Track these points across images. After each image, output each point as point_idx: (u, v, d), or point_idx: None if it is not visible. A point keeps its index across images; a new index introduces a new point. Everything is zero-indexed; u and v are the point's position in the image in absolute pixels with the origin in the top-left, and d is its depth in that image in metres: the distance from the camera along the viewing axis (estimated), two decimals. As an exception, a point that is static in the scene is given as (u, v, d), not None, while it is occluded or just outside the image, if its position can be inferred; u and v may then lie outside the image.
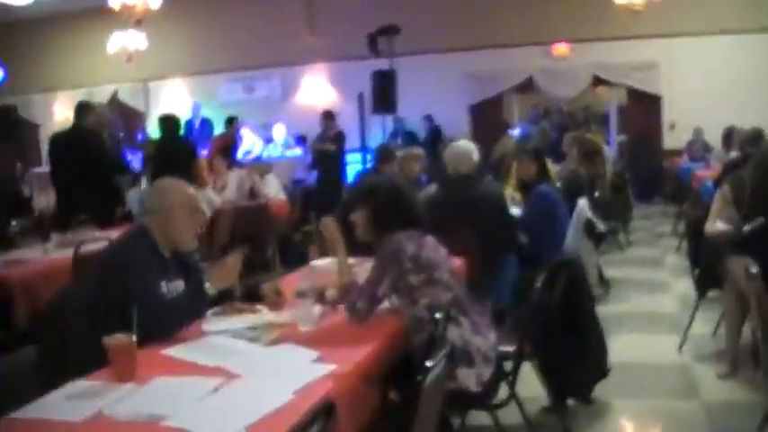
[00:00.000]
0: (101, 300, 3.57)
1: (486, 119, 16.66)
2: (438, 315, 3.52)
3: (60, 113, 19.52)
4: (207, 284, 3.80)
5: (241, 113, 16.26)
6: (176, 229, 3.86)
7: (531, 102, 17.59)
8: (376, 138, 14.06)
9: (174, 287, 3.86)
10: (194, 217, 3.95)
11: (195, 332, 3.61)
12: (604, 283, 8.18)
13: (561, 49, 16.12)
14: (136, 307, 3.10)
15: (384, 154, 7.62)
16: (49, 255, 6.63)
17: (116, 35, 15.80)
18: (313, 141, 14.26)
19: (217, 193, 10.98)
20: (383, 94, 13.62)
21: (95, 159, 8.64)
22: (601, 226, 6.70)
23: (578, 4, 15.21)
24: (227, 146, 13.37)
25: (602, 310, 6.90)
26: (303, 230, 8.88)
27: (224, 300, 3.99)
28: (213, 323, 3.76)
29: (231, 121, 13.93)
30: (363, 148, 13.79)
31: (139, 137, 17.15)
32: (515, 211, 7.07)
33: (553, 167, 9.87)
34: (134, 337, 3.01)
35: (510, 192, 8.06)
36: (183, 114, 16.80)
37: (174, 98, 18.60)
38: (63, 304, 3.81)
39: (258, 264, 10.08)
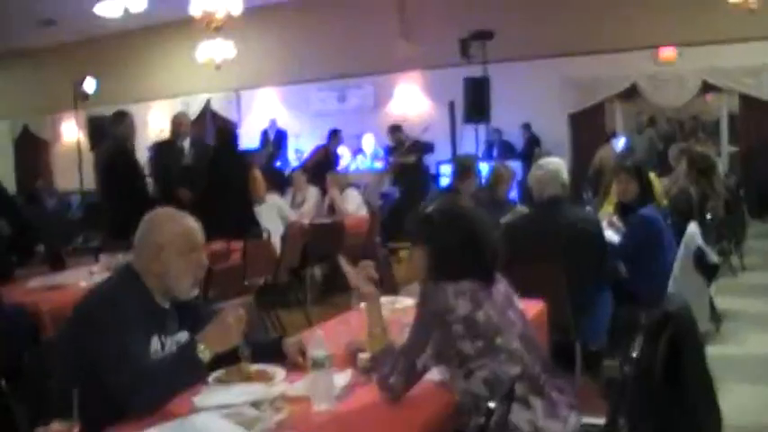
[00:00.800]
0: (71, 357, 2.90)
1: (588, 128, 15.60)
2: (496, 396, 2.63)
3: (155, 123, 19.19)
4: (200, 346, 2.87)
5: (333, 123, 15.63)
6: (169, 273, 3.06)
7: (636, 110, 16.35)
8: (468, 148, 13.12)
9: (175, 342, 3.10)
10: (191, 257, 3.10)
11: (181, 407, 2.78)
12: (715, 316, 7.12)
13: (668, 53, 14.89)
14: (75, 390, 2.32)
15: (461, 168, 6.71)
16: (91, 280, 5.89)
17: (203, 44, 15.23)
18: (390, 155, 13.45)
19: (294, 209, 10.29)
20: (476, 101, 12.73)
21: (121, 174, 8.23)
22: (714, 257, 5.67)
23: (686, 3, 13.95)
24: (325, 159, 12.60)
25: (713, 353, 5.90)
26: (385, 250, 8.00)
27: (231, 359, 3.08)
28: (208, 394, 2.90)
29: (334, 134, 13.12)
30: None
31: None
32: (614, 237, 6.12)
33: (659, 183, 8.89)
34: (75, 428, 2.30)
35: (608, 213, 7.11)
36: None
37: (266, 107, 18.05)
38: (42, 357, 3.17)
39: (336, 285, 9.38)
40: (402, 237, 4.79)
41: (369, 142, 15.21)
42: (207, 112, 18.65)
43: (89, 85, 15.98)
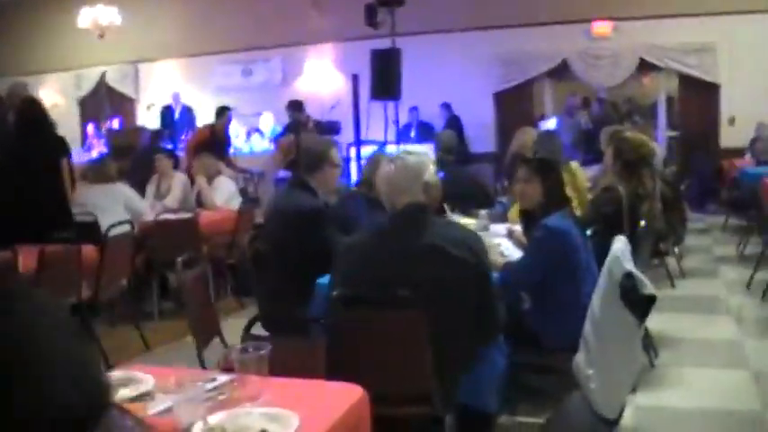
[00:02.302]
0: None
1: (514, 109, 13.88)
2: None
3: (48, 98, 17.04)
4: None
5: (237, 100, 13.77)
6: None
7: (567, 90, 14.56)
8: (377, 128, 11.27)
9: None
10: None
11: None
12: (649, 344, 5.44)
13: (602, 28, 13.27)
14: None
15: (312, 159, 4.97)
16: None
17: (85, 10, 13.25)
18: (282, 135, 11.62)
19: (158, 200, 8.44)
20: (384, 76, 10.85)
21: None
22: (648, 287, 3.93)
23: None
24: (211, 140, 10.68)
25: (647, 402, 4.55)
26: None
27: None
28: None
29: (222, 112, 11.23)
30: (358, 142, 11.02)
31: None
32: (515, 253, 4.40)
33: (583, 176, 7.16)
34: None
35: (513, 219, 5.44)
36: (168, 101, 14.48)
37: (166, 81, 16.01)
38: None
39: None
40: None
41: (267, 121, 13.22)
42: (102, 87, 16.51)
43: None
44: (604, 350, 3.89)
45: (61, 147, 6.91)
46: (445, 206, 5.64)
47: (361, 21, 11.08)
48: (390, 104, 11.25)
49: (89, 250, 6.24)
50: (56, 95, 16.96)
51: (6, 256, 5.30)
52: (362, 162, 7.20)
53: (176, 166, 9.10)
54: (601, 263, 4.02)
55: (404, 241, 3.32)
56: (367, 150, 11.89)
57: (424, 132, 13.67)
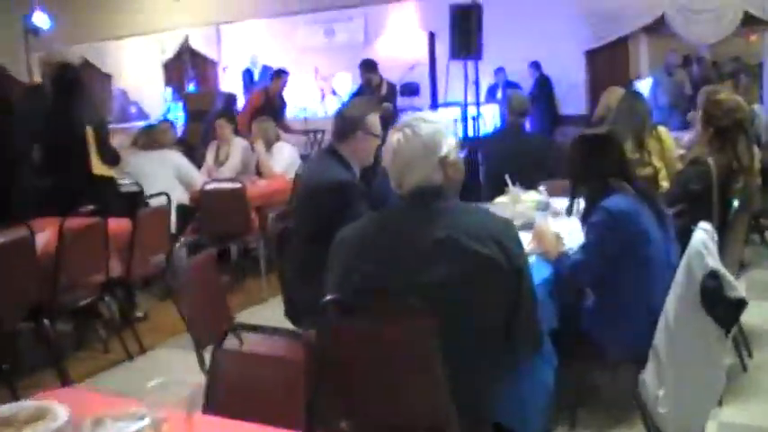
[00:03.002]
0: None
1: (608, 67, 12.88)
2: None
3: (132, 62, 16.76)
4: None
5: (320, 60, 13.13)
6: None
7: (665, 47, 13.37)
8: (457, 90, 10.45)
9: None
10: None
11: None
12: (741, 341, 4.57)
13: (703, -21, 11.99)
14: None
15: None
16: None
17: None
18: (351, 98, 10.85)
19: (217, 167, 7.88)
20: (464, 34, 10.02)
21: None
22: (737, 288, 3.11)
23: None
24: (266, 105, 10.08)
25: (735, 419, 3.84)
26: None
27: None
28: None
29: (277, 75, 10.74)
30: (434, 104, 10.23)
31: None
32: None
33: (682, 137, 6.27)
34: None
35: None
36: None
37: (248, 44, 15.41)
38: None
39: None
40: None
41: (343, 83, 12.43)
42: (185, 50, 16.04)
43: (39, 19, 13.40)
44: (679, 366, 3.10)
45: (90, 115, 6.34)
46: (507, 178, 4.85)
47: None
48: (471, 64, 10.38)
49: (123, 224, 5.69)
50: (140, 59, 16.63)
51: (23, 233, 4.73)
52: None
53: (237, 132, 8.47)
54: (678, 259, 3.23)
55: (411, 233, 2.60)
56: (446, 113, 11.13)
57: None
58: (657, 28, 12.63)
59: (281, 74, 10.73)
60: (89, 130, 6.37)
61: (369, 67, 10.36)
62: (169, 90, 14.67)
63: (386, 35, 14.25)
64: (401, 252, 2.58)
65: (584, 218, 3.54)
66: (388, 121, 9.41)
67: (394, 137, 2.70)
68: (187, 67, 15.74)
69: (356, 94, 10.65)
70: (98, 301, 5.58)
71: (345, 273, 2.67)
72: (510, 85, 12.99)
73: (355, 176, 4.10)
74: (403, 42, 13.79)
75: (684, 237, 3.36)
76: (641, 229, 3.32)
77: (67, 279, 5.07)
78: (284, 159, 7.92)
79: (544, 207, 4.46)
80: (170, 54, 16.34)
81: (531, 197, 4.80)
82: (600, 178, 3.45)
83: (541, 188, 4.94)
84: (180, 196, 6.89)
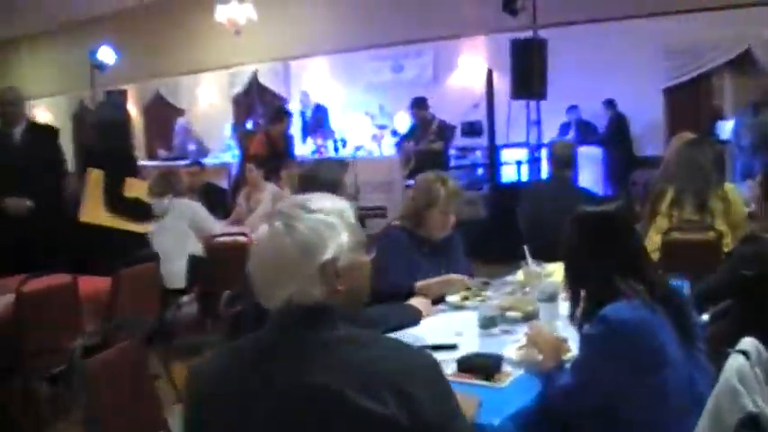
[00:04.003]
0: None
1: (688, 106, 11.87)
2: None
3: (204, 97, 16.38)
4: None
5: (387, 96, 12.49)
6: None
7: (752, 84, 12.13)
8: (517, 130, 9.59)
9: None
10: None
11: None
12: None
13: (794, 10, 10.85)
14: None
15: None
16: None
17: (220, 7, 12.20)
18: (405, 140, 10.00)
19: (247, 215, 7.22)
20: (526, 71, 9.17)
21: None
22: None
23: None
24: (268, 149, 9.28)
25: None
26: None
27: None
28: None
29: (280, 116, 10.18)
30: (492, 146, 9.36)
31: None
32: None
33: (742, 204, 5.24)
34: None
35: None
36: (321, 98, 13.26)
37: (316, 79, 14.83)
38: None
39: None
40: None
41: (403, 121, 11.58)
42: (254, 85, 15.53)
43: (105, 54, 13.03)
44: None
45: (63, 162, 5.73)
46: (525, 249, 3.97)
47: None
48: (534, 103, 9.52)
49: (102, 284, 5.04)
50: (211, 94, 16.26)
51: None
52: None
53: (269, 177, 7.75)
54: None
55: (276, 374, 1.74)
56: (510, 154, 10.27)
57: (585, 133, 11.87)
58: (743, 63, 11.48)
59: (283, 115, 10.10)
60: (93, 174, 5.75)
61: (419, 104, 9.60)
62: (228, 126, 14.09)
63: (456, 71, 13.43)
64: (261, 403, 1.74)
65: (581, 326, 2.64)
66: (436, 161, 8.62)
67: (261, 231, 1.87)
68: (255, 102, 15.19)
69: (409, 134, 9.88)
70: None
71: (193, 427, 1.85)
72: (583, 123, 12.06)
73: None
74: (472, 79, 12.94)
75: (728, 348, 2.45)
76: (654, 347, 2.42)
77: (33, 344, 4.44)
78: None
79: (549, 296, 3.40)
80: (239, 89, 15.87)
81: (555, 271, 3.89)
82: (602, 275, 2.54)
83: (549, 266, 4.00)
84: (193, 247, 6.22)
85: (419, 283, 3.89)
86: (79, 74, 14.68)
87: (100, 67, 13.23)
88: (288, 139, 10.17)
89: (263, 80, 15.65)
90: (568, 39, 11.29)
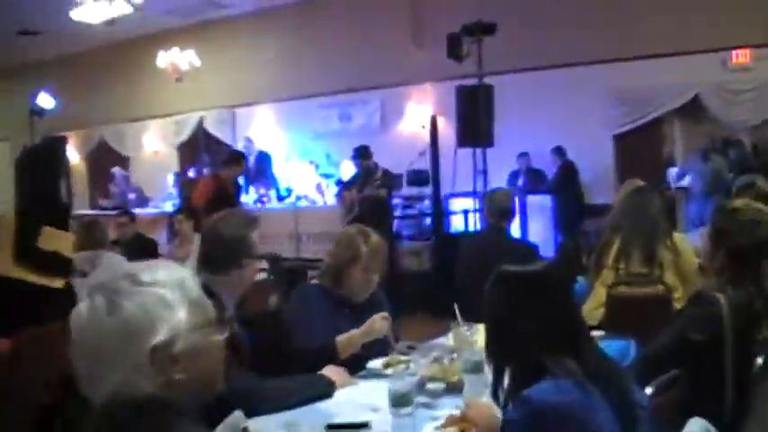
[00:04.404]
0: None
1: (639, 152, 11.63)
2: None
3: (149, 145, 15.93)
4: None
5: (335, 144, 12.14)
6: None
7: (702, 130, 11.91)
8: (463, 179, 9.23)
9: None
10: None
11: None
12: None
13: (741, 57, 10.76)
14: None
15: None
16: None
17: (162, 54, 11.80)
18: (346, 189, 9.60)
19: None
20: (471, 118, 8.82)
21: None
22: None
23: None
24: (218, 194, 8.79)
25: None
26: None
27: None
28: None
29: (235, 159, 9.49)
30: (436, 197, 9.00)
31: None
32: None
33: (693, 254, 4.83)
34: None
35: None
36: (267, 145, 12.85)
37: (263, 127, 14.44)
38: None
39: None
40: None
41: (349, 171, 11.13)
42: (200, 133, 15.10)
43: (44, 100, 12.52)
44: None
45: None
46: (456, 307, 3.57)
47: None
48: (480, 151, 9.20)
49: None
50: (156, 142, 15.81)
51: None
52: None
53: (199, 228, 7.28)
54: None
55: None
56: (458, 204, 9.91)
57: (535, 181, 11.56)
58: (692, 110, 11.27)
59: (238, 157, 9.52)
60: (4, 220, 5.26)
61: (362, 153, 9.23)
62: (171, 176, 13.61)
63: (404, 119, 13.11)
64: None
65: (505, 406, 2.21)
66: (381, 209, 8.23)
67: (80, 308, 1.45)
68: (201, 150, 14.74)
69: (351, 182, 9.49)
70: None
71: None
72: (533, 171, 11.77)
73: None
74: (419, 127, 12.61)
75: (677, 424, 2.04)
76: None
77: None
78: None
79: (475, 366, 2.92)
80: (184, 137, 15.45)
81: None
82: (528, 348, 2.12)
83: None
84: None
85: (341, 338, 3.47)
86: (19, 120, 14.17)
87: (39, 113, 12.69)
88: (237, 186, 9.70)
89: (209, 128, 15.23)
90: (516, 85, 11.03)
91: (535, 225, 11.07)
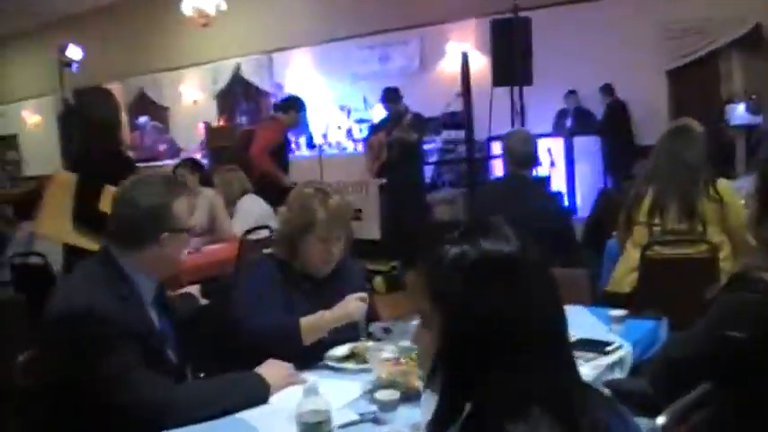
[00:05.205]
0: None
1: (695, 89, 10.64)
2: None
3: (187, 94, 15.36)
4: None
5: (376, 87, 11.33)
6: None
7: (761, 66, 10.79)
8: (501, 120, 8.41)
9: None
10: None
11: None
12: None
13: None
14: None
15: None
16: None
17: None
18: (373, 133, 8.85)
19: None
20: (508, 55, 7.98)
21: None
22: None
23: None
24: (284, 142, 8.12)
25: None
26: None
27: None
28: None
29: (296, 106, 8.33)
30: (470, 139, 8.21)
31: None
32: None
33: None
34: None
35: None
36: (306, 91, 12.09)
37: (300, 72, 13.70)
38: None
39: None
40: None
41: (380, 114, 10.35)
42: (237, 80, 14.44)
43: (73, 52, 11.91)
44: None
45: None
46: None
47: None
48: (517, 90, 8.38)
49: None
50: (194, 91, 15.22)
51: None
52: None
53: (207, 181, 6.58)
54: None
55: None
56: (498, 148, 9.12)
57: (584, 121, 10.70)
58: (753, 41, 10.20)
59: (299, 103, 8.45)
60: (60, 177, 4.71)
61: (391, 96, 8.45)
62: (201, 124, 12.97)
63: (444, 59, 12.23)
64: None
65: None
66: (411, 154, 7.55)
67: None
68: (239, 98, 14.08)
69: (379, 126, 8.75)
70: None
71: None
72: (581, 111, 10.86)
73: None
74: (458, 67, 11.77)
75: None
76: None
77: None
78: (248, 218, 6.04)
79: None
80: (222, 85, 14.80)
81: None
82: (476, 368, 1.36)
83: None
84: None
85: (305, 320, 2.78)
86: (51, 76, 13.73)
87: (69, 65, 12.14)
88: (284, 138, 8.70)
89: (246, 75, 14.56)
90: (558, 19, 10.18)
91: (583, 168, 10.25)
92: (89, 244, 4.43)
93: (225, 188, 6.26)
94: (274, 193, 6.67)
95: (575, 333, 2.89)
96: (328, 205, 2.91)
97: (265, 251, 3.19)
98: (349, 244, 3.07)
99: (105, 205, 4.69)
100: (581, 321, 3.04)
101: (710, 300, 2.17)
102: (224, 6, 11.38)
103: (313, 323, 2.79)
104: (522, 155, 4.48)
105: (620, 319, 2.95)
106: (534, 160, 4.63)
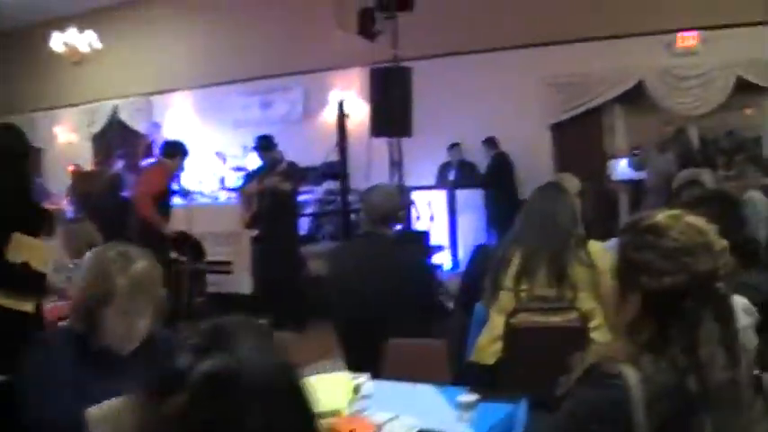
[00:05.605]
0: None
1: (579, 143, 10.49)
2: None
3: (63, 136, 14.63)
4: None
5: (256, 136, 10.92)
6: None
7: (646, 120, 10.74)
8: (379, 172, 8.07)
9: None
10: None
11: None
12: None
13: (688, 40, 9.68)
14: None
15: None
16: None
17: (56, 35, 10.54)
18: (249, 180, 8.48)
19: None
20: (388, 105, 7.65)
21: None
22: None
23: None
24: (166, 188, 7.66)
25: None
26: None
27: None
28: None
29: (179, 152, 8.00)
30: (344, 192, 7.86)
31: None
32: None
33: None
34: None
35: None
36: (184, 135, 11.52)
37: (180, 117, 13.17)
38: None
39: None
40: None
41: (255, 162, 9.91)
42: (114, 123, 13.81)
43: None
44: None
45: None
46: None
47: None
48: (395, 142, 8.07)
49: None
50: (69, 133, 14.51)
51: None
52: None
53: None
54: None
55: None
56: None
57: (467, 174, 10.44)
58: (635, 97, 10.18)
59: (183, 150, 8.05)
60: None
61: (265, 144, 8.06)
62: (70, 168, 12.28)
63: (328, 108, 11.86)
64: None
65: None
66: (285, 204, 7.18)
67: None
68: (116, 141, 13.43)
69: (252, 176, 8.35)
70: None
71: None
72: (464, 164, 10.63)
73: None
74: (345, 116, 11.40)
75: None
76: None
77: None
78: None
79: None
80: (98, 127, 14.15)
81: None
82: None
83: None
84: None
85: (94, 410, 2.30)
86: None
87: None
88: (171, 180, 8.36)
89: (124, 117, 13.85)
90: (441, 70, 10.00)
91: (466, 222, 10.02)
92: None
93: (66, 243, 5.67)
94: (155, 240, 6.64)
95: (417, 422, 2.49)
96: (130, 273, 2.44)
97: (61, 324, 2.69)
98: (159, 315, 2.60)
99: (12, 255, 4.03)
100: (428, 407, 2.64)
101: (566, 391, 1.79)
102: (98, 45, 10.80)
103: (107, 413, 2.31)
104: (381, 211, 4.07)
105: (470, 406, 2.56)
106: (395, 217, 4.22)
